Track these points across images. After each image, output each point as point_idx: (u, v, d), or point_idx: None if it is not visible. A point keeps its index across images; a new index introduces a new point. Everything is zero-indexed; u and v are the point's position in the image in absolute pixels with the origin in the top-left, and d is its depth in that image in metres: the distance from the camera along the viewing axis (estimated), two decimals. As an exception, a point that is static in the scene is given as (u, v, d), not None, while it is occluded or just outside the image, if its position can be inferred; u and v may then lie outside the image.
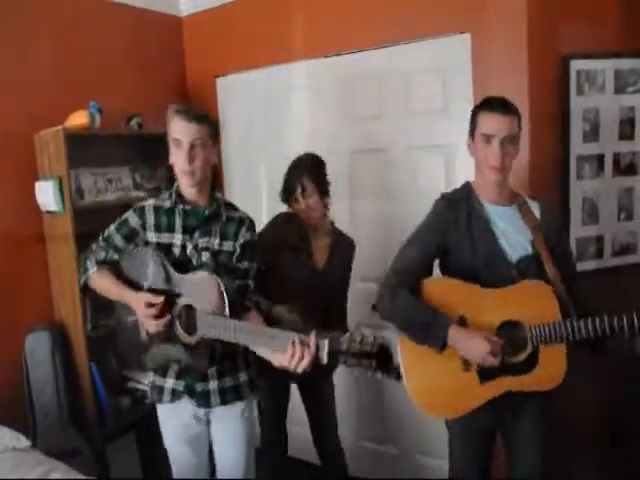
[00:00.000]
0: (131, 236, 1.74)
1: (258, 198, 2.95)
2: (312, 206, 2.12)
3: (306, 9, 2.70)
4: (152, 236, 1.72)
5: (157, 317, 1.61)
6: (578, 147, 2.24)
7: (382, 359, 1.31)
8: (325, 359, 1.34)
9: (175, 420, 1.79)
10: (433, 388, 1.65)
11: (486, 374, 1.59)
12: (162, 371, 1.77)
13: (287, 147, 2.57)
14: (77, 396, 2.42)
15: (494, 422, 1.72)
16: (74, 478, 1.82)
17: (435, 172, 2.49)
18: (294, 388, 2.31)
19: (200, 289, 1.60)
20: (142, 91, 2.86)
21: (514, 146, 1.65)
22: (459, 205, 1.70)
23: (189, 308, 1.63)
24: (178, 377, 1.75)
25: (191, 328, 1.62)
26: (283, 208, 2.23)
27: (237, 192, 3.08)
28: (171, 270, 1.65)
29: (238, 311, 1.62)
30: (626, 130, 2.29)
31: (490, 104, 1.66)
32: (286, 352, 1.39)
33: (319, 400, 2.29)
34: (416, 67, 2.46)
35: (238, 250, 1.73)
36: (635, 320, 1.48)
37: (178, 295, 1.64)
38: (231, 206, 1.80)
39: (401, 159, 2.57)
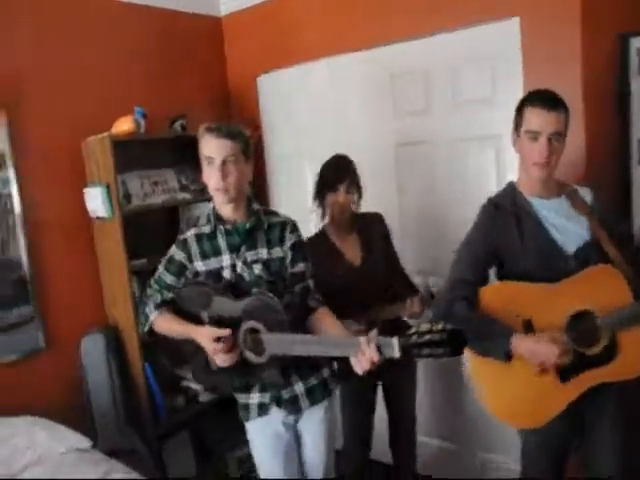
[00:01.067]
0: (180, 271, 1.73)
1: (304, 202, 2.90)
2: (348, 203, 2.10)
3: (346, 1, 2.64)
4: (200, 265, 1.70)
5: (226, 350, 1.58)
6: (639, 131, 2.11)
7: (454, 344, 1.26)
8: (397, 354, 1.30)
9: (266, 433, 1.76)
10: (510, 398, 1.61)
11: (566, 372, 1.54)
12: (244, 388, 1.74)
13: (331, 144, 2.53)
14: (132, 396, 2.47)
15: (572, 432, 1.66)
16: (134, 478, 1.86)
17: (485, 163, 2.41)
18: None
19: (259, 311, 1.58)
20: (185, 94, 2.89)
21: (561, 143, 1.59)
22: (505, 207, 1.67)
23: (253, 331, 1.60)
24: (262, 389, 1.72)
25: (259, 349, 1.59)
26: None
27: (283, 199, 3.08)
28: (227, 296, 1.63)
29: (303, 317, 1.63)
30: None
31: (536, 99, 1.59)
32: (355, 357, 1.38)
33: (401, 399, 2.26)
34: (462, 56, 2.37)
35: (289, 254, 1.72)
36: None
37: (239, 320, 1.61)
38: (271, 213, 1.78)
39: (449, 151, 2.49)
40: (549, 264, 1.60)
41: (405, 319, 2.13)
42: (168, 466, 2.56)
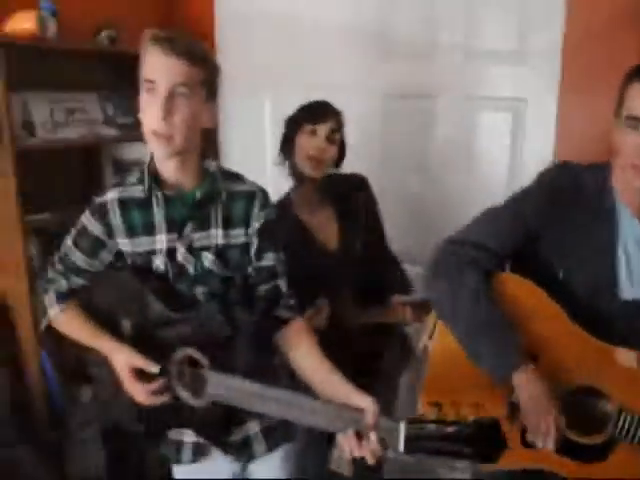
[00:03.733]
0: (95, 250, 1.24)
1: (261, 163, 2.28)
2: (330, 153, 1.58)
3: None
4: (125, 244, 1.22)
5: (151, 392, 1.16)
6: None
7: (486, 443, 0.88)
8: (402, 447, 0.89)
9: None
10: None
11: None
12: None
13: (299, 86, 1.99)
14: (22, 389, 1.96)
15: None
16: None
17: (497, 133, 1.97)
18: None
19: (201, 335, 1.12)
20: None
21: None
22: (588, 192, 1.21)
23: (192, 363, 1.14)
24: None
25: (197, 387, 1.14)
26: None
27: (235, 158, 2.45)
28: (160, 300, 1.15)
29: (268, 331, 1.22)
30: None
31: None
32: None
33: None
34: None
35: (254, 240, 1.23)
36: None
37: (173, 343, 1.15)
38: (233, 177, 1.26)
39: (453, 111, 2.02)
40: (592, 297, 1.20)
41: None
42: (72, 462, 2.08)
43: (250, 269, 1.24)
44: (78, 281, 1.26)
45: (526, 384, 1.14)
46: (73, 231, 1.26)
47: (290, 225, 1.59)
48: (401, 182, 2.14)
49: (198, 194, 1.19)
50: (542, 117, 1.85)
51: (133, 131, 2.15)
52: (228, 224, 1.21)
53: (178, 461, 1.30)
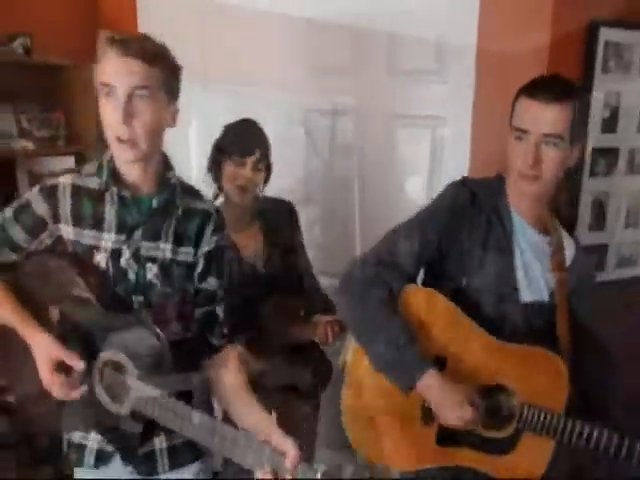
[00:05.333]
0: (36, 229, 1.17)
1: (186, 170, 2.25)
2: (257, 181, 1.63)
3: None
4: (68, 232, 1.16)
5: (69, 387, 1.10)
6: (595, 138, 1.85)
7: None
8: None
9: None
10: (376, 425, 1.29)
11: (446, 436, 1.25)
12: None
13: (222, 97, 2.03)
14: None
15: None
16: None
17: (417, 149, 2.02)
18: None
19: (133, 344, 1.08)
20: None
21: (559, 150, 1.19)
22: (483, 205, 1.28)
23: (116, 367, 1.09)
24: None
25: (119, 393, 1.09)
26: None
27: None
28: (93, 299, 1.11)
29: (199, 356, 1.20)
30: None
31: (533, 87, 1.21)
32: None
33: None
34: (404, 12, 1.91)
35: (201, 262, 1.20)
36: None
37: (100, 344, 1.10)
38: (191, 192, 1.23)
39: (374, 127, 2.07)
40: (495, 303, 1.27)
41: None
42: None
43: (191, 289, 1.22)
44: (10, 255, 1.19)
45: (430, 390, 1.19)
46: (15, 204, 1.19)
47: None
48: (318, 197, 2.17)
49: (155, 203, 1.16)
50: (460, 138, 1.90)
51: (50, 145, 2.09)
52: (178, 240, 1.18)
53: (79, 464, 1.26)
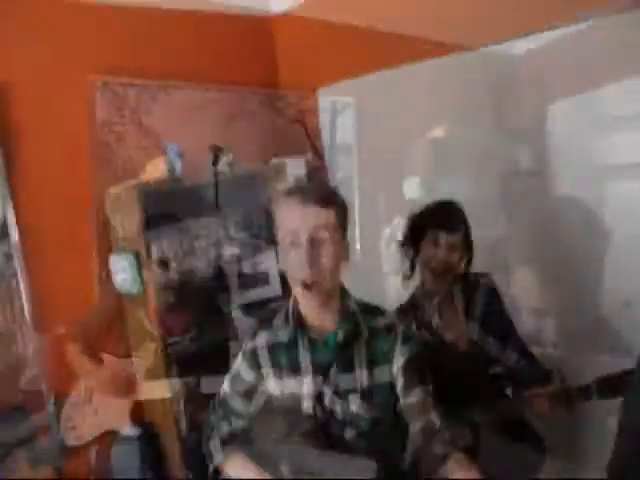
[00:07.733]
0: (250, 394, 1.27)
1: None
2: (454, 262, 1.57)
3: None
4: (274, 387, 1.23)
5: None
6: None
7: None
8: None
9: None
10: None
11: None
12: None
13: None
14: None
15: None
16: None
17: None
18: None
19: (349, 474, 1.08)
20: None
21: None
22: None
23: None
24: None
25: None
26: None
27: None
28: (309, 446, 1.14)
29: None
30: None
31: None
32: None
33: None
34: (596, 51, 1.70)
35: (400, 377, 1.18)
36: None
37: None
38: (372, 311, 1.24)
39: (577, 186, 1.86)
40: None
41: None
42: None
43: (399, 407, 1.18)
44: (238, 423, 1.27)
45: None
46: (228, 377, 1.30)
47: (420, 324, 1.58)
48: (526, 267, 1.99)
49: (340, 335, 1.17)
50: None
51: (252, 243, 2.24)
52: (372, 363, 1.18)
53: None
